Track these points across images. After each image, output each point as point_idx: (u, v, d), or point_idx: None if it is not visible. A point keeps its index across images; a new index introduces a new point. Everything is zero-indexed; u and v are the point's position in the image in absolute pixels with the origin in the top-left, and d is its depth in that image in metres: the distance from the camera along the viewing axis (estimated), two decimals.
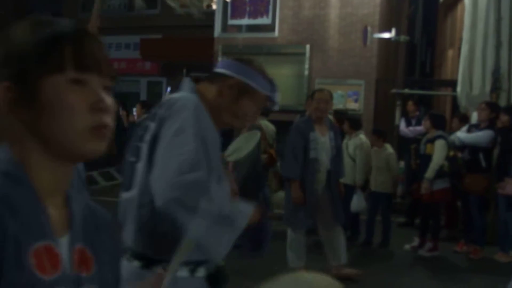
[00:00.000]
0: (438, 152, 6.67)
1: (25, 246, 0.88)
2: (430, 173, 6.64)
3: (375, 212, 7.26)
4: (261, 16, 12.29)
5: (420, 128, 8.62)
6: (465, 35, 8.70)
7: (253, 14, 12.33)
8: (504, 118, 6.76)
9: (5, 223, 0.87)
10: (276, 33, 12.03)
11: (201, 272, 1.94)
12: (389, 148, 7.38)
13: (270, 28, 12.17)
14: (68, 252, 0.96)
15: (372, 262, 6.49)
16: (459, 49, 9.84)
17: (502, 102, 8.00)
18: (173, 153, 1.82)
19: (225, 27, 12.63)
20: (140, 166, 1.89)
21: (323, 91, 5.62)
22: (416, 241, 7.06)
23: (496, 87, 8.26)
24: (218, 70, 2.11)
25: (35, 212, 0.92)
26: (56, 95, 0.92)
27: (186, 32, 14.17)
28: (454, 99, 10.17)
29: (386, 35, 11.09)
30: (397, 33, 11.12)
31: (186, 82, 2.10)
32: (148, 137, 1.89)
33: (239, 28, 12.49)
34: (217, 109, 2.04)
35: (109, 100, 0.97)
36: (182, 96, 2.00)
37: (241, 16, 12.43)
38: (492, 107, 7.06)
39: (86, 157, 0.96)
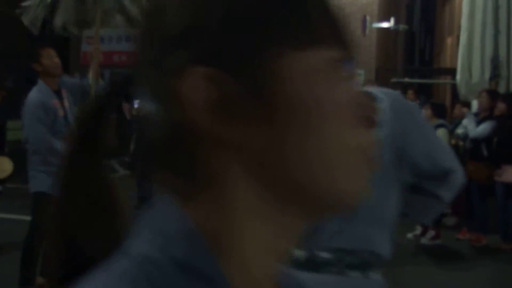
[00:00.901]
0: None
1: None
2: None
3: None
4: None
5: None
6: (464, 23, 8.72)
7: None
8: (501, 106, 6.77)
9: None
10: None
11: None
12: None
13: None
14: None
15: None
16: (458, 37, 9.86)
17: (501, 90, 8.03)
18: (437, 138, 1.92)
19: None
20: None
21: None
22: (418, 230, 7.09)
23: (495, 75, 8.28)
24: None
25: None
26: (309, 88, 0.46)
27: None
28: (454, 87, 10.19)
29: (385, 24, 11.12)
30: (396, 22, 11.14)
31: None
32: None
33: None
34: None
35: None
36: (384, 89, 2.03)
37: None
38: (493, 95, 7.09)
39: (345, 206, 0.49)
